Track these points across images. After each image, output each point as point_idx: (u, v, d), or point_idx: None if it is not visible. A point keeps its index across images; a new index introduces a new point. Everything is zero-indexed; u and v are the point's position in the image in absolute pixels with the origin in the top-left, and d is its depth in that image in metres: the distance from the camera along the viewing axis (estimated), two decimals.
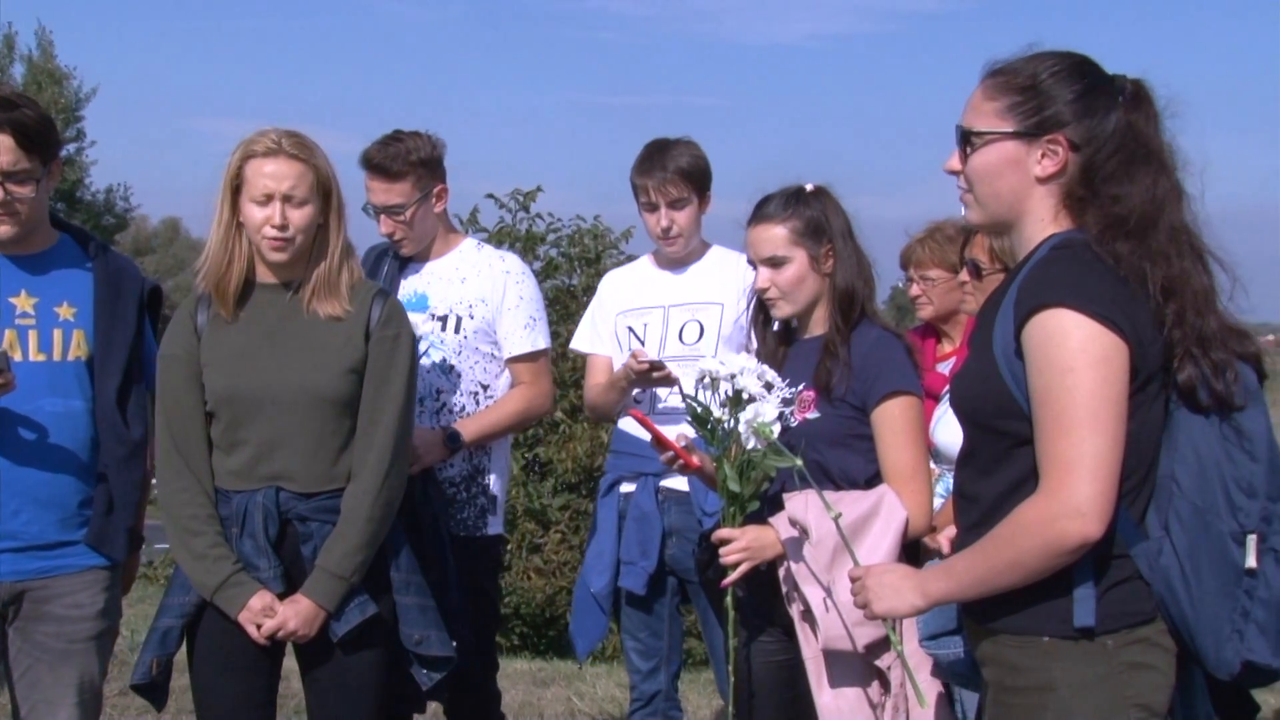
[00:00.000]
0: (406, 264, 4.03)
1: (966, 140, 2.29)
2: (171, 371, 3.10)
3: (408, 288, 3.96)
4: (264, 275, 3.13)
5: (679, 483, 3.86)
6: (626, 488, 4.03)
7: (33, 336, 3.12)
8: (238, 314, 3.10)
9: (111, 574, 3.23)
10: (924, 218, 4.36)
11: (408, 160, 3.85)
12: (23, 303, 3.13)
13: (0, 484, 3.06)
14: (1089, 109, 2.23)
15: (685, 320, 4.00)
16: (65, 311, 3.16)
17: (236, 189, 3.05)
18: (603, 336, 4.18)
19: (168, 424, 3.10)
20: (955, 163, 2.33)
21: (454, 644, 3.20)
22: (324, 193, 3.07)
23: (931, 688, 2.83)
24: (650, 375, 3.75)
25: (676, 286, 4.09)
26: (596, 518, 4.15)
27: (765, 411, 2.84)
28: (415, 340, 3.18)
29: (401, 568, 3.14)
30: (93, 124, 37.64)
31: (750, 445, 2.86)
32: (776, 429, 2.84)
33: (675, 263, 4.12)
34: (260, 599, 3.00)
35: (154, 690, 3.12)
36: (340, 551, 3.02)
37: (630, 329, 4.10)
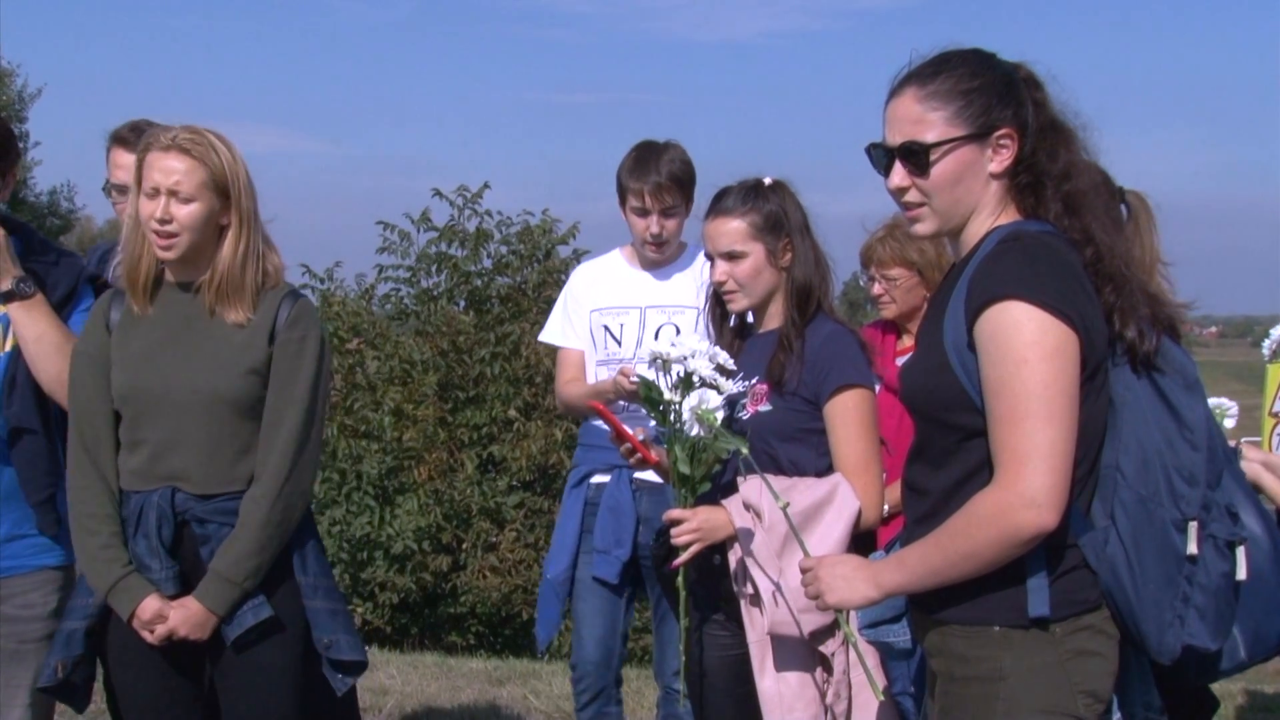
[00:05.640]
0: None
1: (914, 155, 2.28)
2: (81, 368, 3.06)
3: None
4: (169, 274, 3.08)
5: (653, 474, 3.90)
6: (599, 479, 4.06)
7: None
8: (148, 311, 3.06)
9: (64, 574, 3.20)
10: (877, 214, 4.37)
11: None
12: None
13: None
14: (1017, 98, 2.28)
15: (662, 323, 4.02)
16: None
17: (140, 184, 3.01)
18: (576, 330, 4.18)
19: (77, 422, 3.05)
20: (904, 179, 2.32)
21: (365, 648, 3.16)
22: (220, 191, 2.99)
23: (880, 677, 2.86)
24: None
25: (655, 288, 4.11)
26: (562, 507, 4.17)
27: (709, 398, 2.86)
28: (324, 343, 3.12)
29: (309, 571, 3.09)
30: (36, 124, 37.07)
31: (694, 432, 2.88)
32: (720, 415, 2.86)
33: (654, 263, 4.13)
34: (149, 606, 2.95)
35: (70, 692, 3.06)
36: (234, 555, 2.96)
37: (606, 328, 4.11)
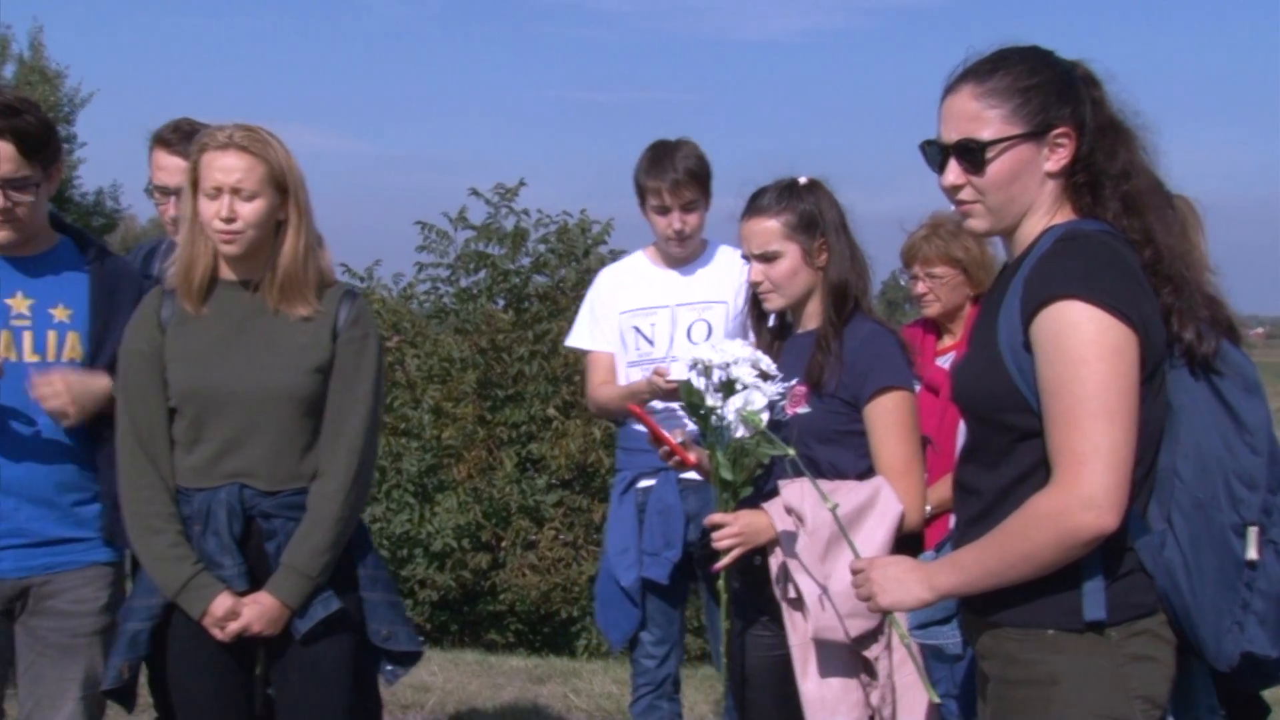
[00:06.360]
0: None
1: (969, 152, 2.26)
2: (135, 367, 3.06)
3: None
4: (226, 272, 3.09)
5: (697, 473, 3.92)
6: (645, 483, 4.07)
7: (27, 337, 3.12)
8: (203, 310, 3.07)
9: (114, 570, 3.24)
10: (914, 212, 4.35)
11: None
12: (18, 304, 3.13)
13: None
14: (1075, 96, 2.26)
15: (693, 320, 4.02)
16: (60, 313, 3.16)
17: (196, 185, 3.02)
18: (604, 334, 4.19)
19: (131, 420, 3.05)
20: (958, 176, 2.29)
21: (420, 639, 3.20)
22: (279, 187, 3.01)
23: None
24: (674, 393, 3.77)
25: (682, 286, 4.11)
26: (613, 515, 4.19)
27: (754, 399, 2.85)
28: (382, 341, 3.17)
29: (368, 564, 3.14)
30: (83, 125, 37.53)
31: (739, 433, 2.86)
32: (765, 417, 2.84)
33: (679, 261, 4.14)
34: (222, 603, 2.97)
35: (124, 694, 3.09)
36: (308, 550, 2.99)
37: (637, 329, 4.12)
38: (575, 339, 4.30)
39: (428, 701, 5.75)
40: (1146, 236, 2.23)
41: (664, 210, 4.03)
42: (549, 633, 10.95)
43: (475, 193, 12.07)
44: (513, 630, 10.95)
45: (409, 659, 3.18)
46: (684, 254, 4.11)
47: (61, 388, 3.06)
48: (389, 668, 3.15)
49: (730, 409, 2.84)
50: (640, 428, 3.64)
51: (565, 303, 11.90)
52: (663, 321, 4.08)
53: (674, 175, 3.98)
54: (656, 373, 3.78)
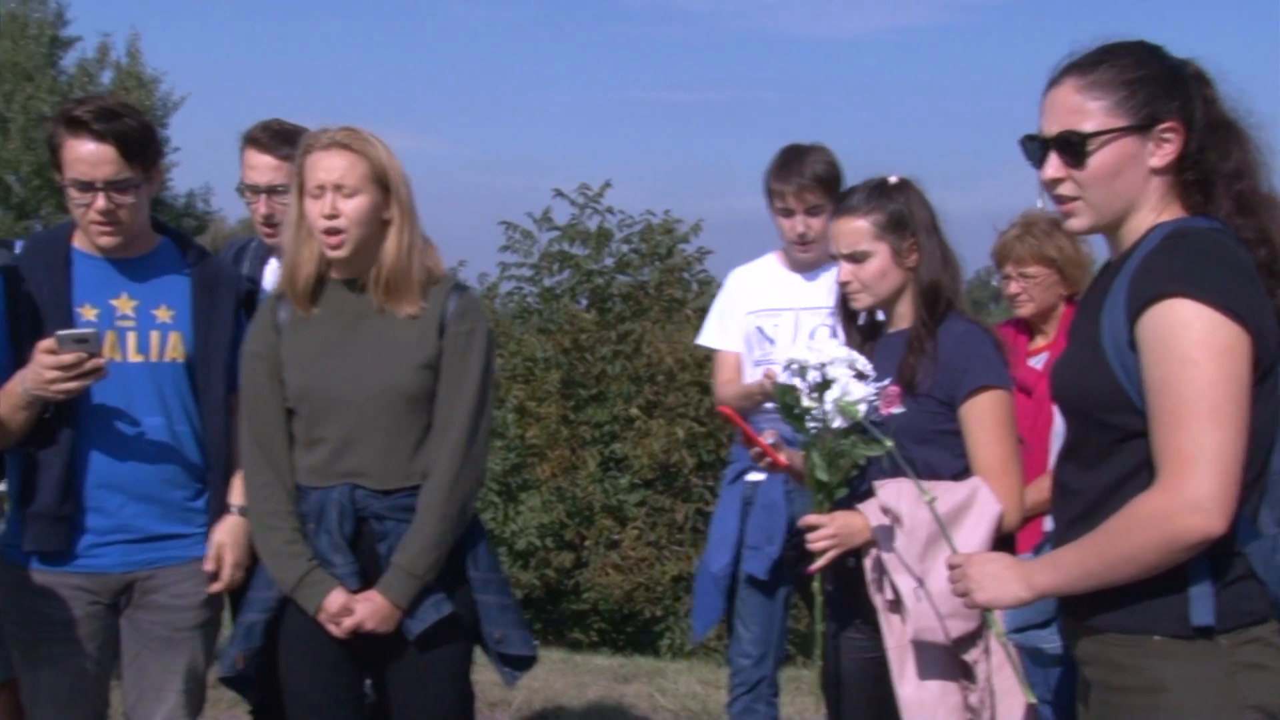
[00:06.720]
0: (269, 258, 3.99)
1: (1071, 145, 2.21)
2: (253, 368, 3.13)
3: (272, 283, 3.81)
4: (335, 271, 3.13)
5: None
6: (754, 476, 4.11)
7: (131, 338, 3.18)
8: (314, 311, 3.11)
9: None
10: (996, 211, 4.32)
11: (297, 143, 3.87)
12: (123, 305, 3.19)
13: (103, 480, 3.14)
14: (1184, 92, 2.20)
15: (816, 324, 4.03)
16: (163, 314, 3.22)
17: (302, 189, 3.07)
18: (731, 333, 4.27)
19: (250, 421, 3.13)
20: (1058, 170, 2.25)
21: (534, 643, 3.21)
22: (381, 184, 3.03)
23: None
24: None
25: (809, 290, 4.14)
26: (719, 504, 4.27)
27: (852, 390, 2.82)
28: (491, 335, 3.16)
29: (480, 566, 3.14)
30: (175, 128, 38.33)
31: (836, 424, 2.84)
32: (863, 409, 2.82)
33: (805, 265, 4.18)
34: (335, 599, 3.01)
35: (245, 684, 3.15)
36: (414, 549, 3.01)
37: (760, 329, 4.18)
38: (704, 337, 4.40)
39: (515, 699, 5.79)
40: (1261, 236, 2.18)
41: (789, 213, 4.06)
42: (632, 632, 10.99)
43: (560, 193, 12.18)
44: (596, 629, 11.01)
45: (523, 662, 3.17)
46: (809, 258, 4.15)
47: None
48: (506, 669, 3.16)
49: (828, 400, 2.82)
50: (766, 427, 3.66)
51: (648, 303, 11.95)
52: (786, 324, 4.11)
53: (800, 180, 4.01)
54: (767, 375, 3.79)
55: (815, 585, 3.03)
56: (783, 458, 3.15)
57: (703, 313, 12.15)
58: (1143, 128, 2.19)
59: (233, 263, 3.93)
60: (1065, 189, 2.26)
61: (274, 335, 3.13)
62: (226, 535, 3.24)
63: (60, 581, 3.13)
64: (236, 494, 3.25)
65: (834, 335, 3.97)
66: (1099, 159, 2.20)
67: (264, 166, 3.89)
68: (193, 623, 3.25)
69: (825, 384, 2.86)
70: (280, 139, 3.89)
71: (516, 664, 3.17)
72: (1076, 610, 2.27)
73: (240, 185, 3.98)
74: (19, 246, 3.84)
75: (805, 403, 2.89)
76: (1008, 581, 2.28)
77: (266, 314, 3.16)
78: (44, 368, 2.91)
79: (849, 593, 3.08)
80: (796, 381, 2.90)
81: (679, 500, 11.05)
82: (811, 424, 2.90)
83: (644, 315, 11.93)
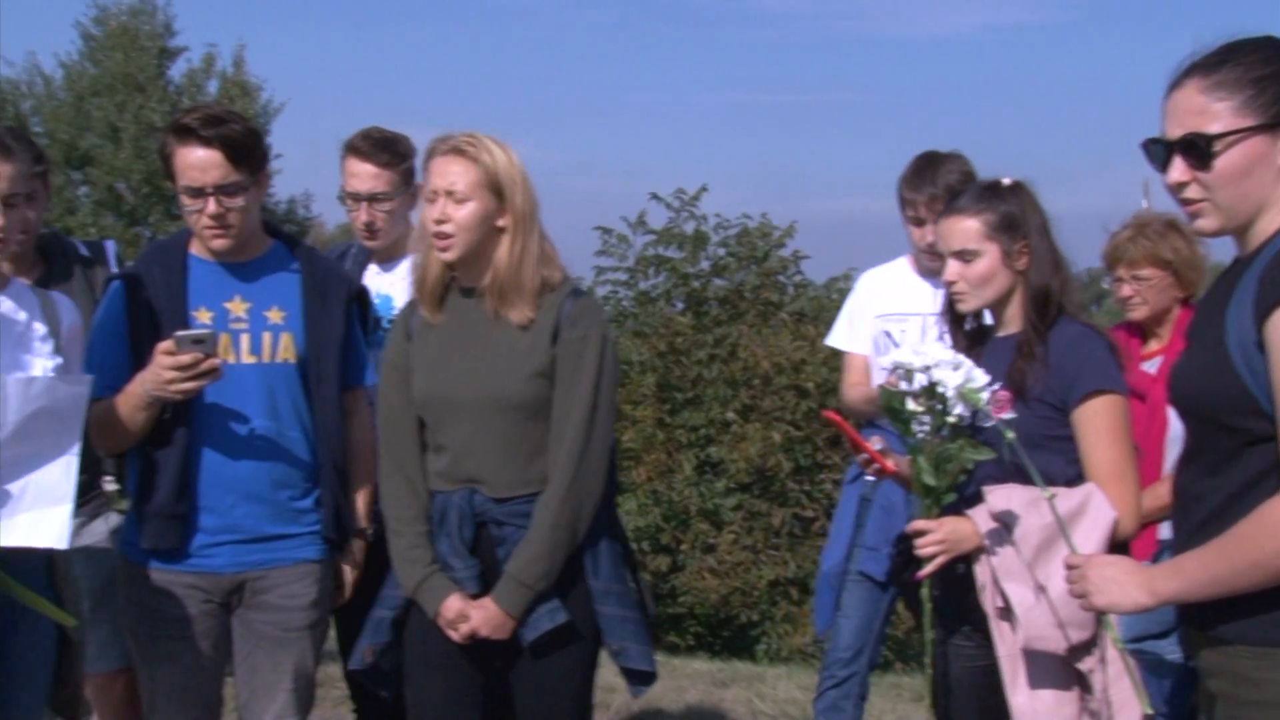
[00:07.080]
0: (369, 264, 4.04)
1: (1195, 148, 2.15)
2: (386, 375, 3.20)
3: (372, 289, 3.88)
4: (457, 279, 3.15)
5: None
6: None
7: (245, 340, 3.24)
8: (440, 317, 3.15)
9: (323, 567, 3.34)
10: (1098, 212, 4.24)
11: (397, 150, 3.94)
12: (236, 308, 3.26)
13: (215, 480, 3.20)
14: None
15: (943, 331, 4.01)
16: (275, 315, 3.28)
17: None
18: (860, 336, 4.28)
19: (383, 427, 3.20)
20: (1183, 173, 2.19)
21: (654, 659, 3.17)
22: (495, 191, 3.03)
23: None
24: None
25: (936, 297, 4.10)
26: (840, 502, 4.31)
27: (975, 377, 2.78)
28: (609, 341, 3.12)
29: (601, 575, 3.10)
30: (279, 135, 39.07)
31: (958, 410, 2.79)
32: (985, 396, 2.77)
33: (934, 272, 4.13)
34: (452, 605, 3.03)
35: (378, 676, 3.18)
36: (525, 558, 3.01)
37: (888, 333, 4.17)
38: (833, 339, 4.43)
39: (613, 702, 5.79)
40: None
41: (919, 222, 4.02)
42: (729, 636, 10.96)
43: (655, 197, 12.20)
44: (692, 633, 10.99)
45: (642, 677, 3.13)
46: (938, 266, 4.11)
47: None
48: (630, 682, 3.14)
49: (950, 386, 2.78)
50: (884, 426, 3.62)
51: (745, 306, 11.92)
52: (913, 329, 4.08)
53: (932, 189, 3.95)
54: (888, 381, 3.78)
55: (924, 591, 2.99)
56: (890, 463, 3.11)
57: (799, 316, 12.15)
58: (1272, 126, 2.12)
59: None
60: (1191, 191, 2.19)
61: (405, 342, 3.18)
62: (349, 560, 3.39)
63: (175, 580, 3.21)
64: (360, 513, 3.37)
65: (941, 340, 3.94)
66: (1226, 160, 2.14)
67: (364, 174, 3.95)
68: (302, 623, 3.30)
69: (931, 388, 2.82)
70: (380, 147, 3.96)
71: (637, 678, 3.14)
72: (1200, 620, 2.21)
73: (341, 193, 4.05)
74: (111, 248, 3.97)
75: (911, 406, 2.86)
76: (1128, 586, 2.23)
77: (401, 321, 3.23)
78: (163, 368, 2.99)
79: (956, 599, 3.03)
80: (902, 385, 2.87)
81: (775, 505, 11.00)
82: (918, 428, 2.87)
83: (740, 319, 11.90)
